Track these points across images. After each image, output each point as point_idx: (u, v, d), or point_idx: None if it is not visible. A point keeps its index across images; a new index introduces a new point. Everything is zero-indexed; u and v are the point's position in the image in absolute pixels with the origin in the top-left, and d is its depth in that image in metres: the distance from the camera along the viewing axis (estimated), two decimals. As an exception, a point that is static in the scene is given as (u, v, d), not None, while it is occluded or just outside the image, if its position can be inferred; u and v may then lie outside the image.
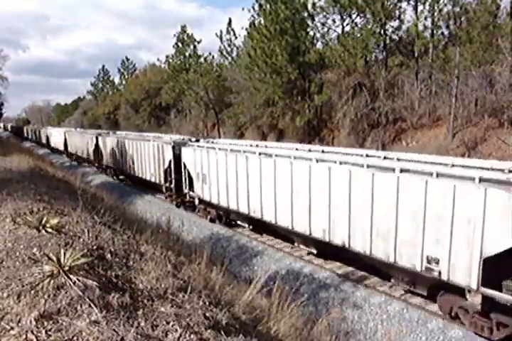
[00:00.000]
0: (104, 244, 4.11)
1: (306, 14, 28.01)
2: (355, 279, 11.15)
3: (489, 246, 7.36)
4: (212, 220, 16.83)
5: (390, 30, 24.92)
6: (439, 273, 8.30)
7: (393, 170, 9.12)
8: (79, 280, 2.85)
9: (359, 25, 25.82)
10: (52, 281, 2.81)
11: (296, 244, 12.92)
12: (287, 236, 13.25)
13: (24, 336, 2.28)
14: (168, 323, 2.60)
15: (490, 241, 7.35)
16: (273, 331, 3.89)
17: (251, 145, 15.44)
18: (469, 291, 7.98)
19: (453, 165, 8.90)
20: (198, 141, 19.28)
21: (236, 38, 41.55)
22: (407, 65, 24.91)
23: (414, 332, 8.76)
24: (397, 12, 24.04)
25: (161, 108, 51.06)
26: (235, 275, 10.52)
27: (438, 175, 8.28)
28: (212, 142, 18.02)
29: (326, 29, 28.00)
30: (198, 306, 3.05)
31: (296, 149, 13.64)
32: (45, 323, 2.40)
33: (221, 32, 41.46)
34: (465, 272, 7.83)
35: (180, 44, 42.85)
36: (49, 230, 4.10)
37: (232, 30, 41.23)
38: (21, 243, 3.77)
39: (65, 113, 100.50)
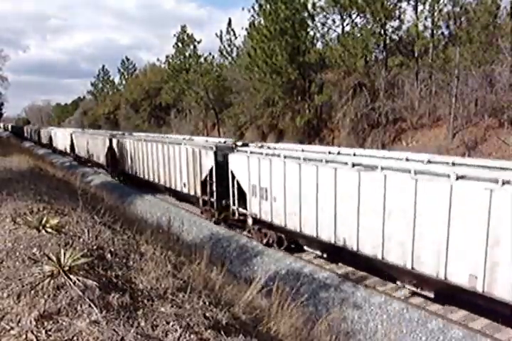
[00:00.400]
0: (104, 244, 4.11)
1: (306, 14, 27.99)
2: (355, 279, 11.15)
3: None
4: (268, 244, 13.70)
5: (390, 30, 24.90)
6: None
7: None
8: (79, 280, 2.85)
9: (359, 25, 25.82)
10: (52, 281, 2.81)
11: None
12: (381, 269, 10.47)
13: (24, 336, 2.27)
14: (168, 323, 2.60)
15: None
16: (273, 331, 3.89)
17: (329, 153, 12.28)
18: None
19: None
20: (246, 145, 15.93)
21: (236, 38, 41.64)
22: (407, 65, 24.89)
23: (414, 332, 8.76)
24: (397, 12, 24.03)
25: (161, 108, 51.04)
26: (235, 275, 10.52)
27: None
28: (269, 147, 14.58)
29: (326, 29, 28.02)
30: (198, 306, 3.04)
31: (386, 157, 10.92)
32: (45, 323, 2.39)
33: (221, 32, 41.55)
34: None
35: (180, 44, 42.83)
36: (49, 230, 4.09)
37: (232, 30, 41.30)
38: (21, 243, 3.76)
39: (65, 113, 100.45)
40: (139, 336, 2.33)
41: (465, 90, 20.69)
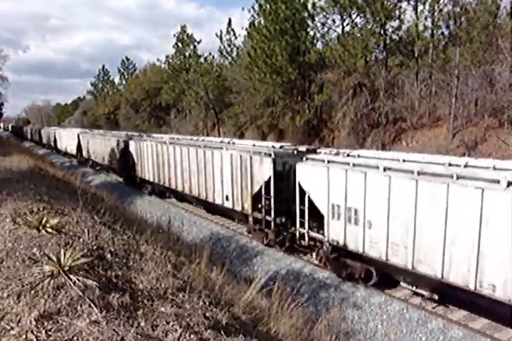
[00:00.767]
0: (104, 244, 4.11)
1: (306, 14, 28.01)
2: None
3: None
4: (350, 278, 11.02)
5: (390, 30, 24.91)
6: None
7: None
8: (79, 280, 2.85)
9: (359, 25, 25.83)
10: (52, 281, 2.81)
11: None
12: None
13: (24, 336, 2.28)
14: (168, 323, 2.60)
15: None
16: (273, 331, 3.89)
17: (450, 165, 9.04)
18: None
19: None
20: (313, 151, 13.03)
21: (236, 38, 41.62)
22: (407, 65, 24.88)
23: (414, 332, 8.76)
24: (397, 12, 24.04)
25: (161, 108, 51.06)
26: (235, 275, 10.53)
27: None
28: (348, 155, 11.42)
29: (326, 29, 28.00)
30: (198, 306, 3.05)
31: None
32: (45, 323, 2.40)
33: (221, 32, 41.50)
34: None
35: (180, 44, 42.89)
36: (49, 230, 4.10)
37: (232, 30, 41.27)
38: (21, 243, 3.76)
39: (65, 113, 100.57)
40: (139, 336, 2.33)
41: (465, 90, 20.69)
